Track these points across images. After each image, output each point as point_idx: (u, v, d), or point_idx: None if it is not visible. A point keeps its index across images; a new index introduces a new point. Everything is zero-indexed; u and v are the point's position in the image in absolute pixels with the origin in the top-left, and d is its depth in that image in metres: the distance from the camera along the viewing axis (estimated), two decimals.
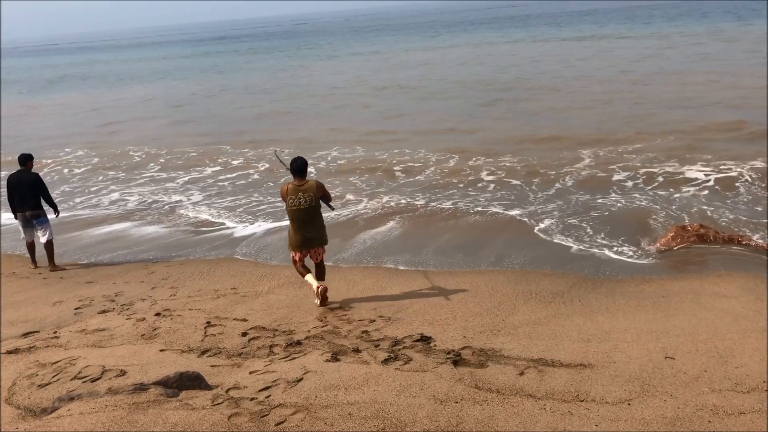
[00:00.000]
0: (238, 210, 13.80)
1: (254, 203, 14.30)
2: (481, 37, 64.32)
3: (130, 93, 40.72)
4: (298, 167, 7.88)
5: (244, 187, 15.91)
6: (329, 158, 18.19)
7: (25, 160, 10.79)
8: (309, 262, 8.27)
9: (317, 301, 8.08)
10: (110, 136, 25.53)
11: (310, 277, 8.10)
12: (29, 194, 10.60)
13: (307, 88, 35.81)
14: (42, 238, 10.76)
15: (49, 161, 20.89)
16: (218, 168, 18.22)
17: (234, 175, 17.27)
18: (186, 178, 17.35)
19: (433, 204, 13.08)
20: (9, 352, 6.65)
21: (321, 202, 8.00)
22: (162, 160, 19.94)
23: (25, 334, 7.46)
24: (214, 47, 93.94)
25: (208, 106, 31.84)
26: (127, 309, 8.28)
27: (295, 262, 8.24)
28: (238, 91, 36.90)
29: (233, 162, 18.74)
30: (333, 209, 8.35)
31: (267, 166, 17.71)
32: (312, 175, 15.22)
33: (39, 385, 5.65)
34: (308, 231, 7.97)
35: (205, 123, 26.84)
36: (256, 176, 16.96)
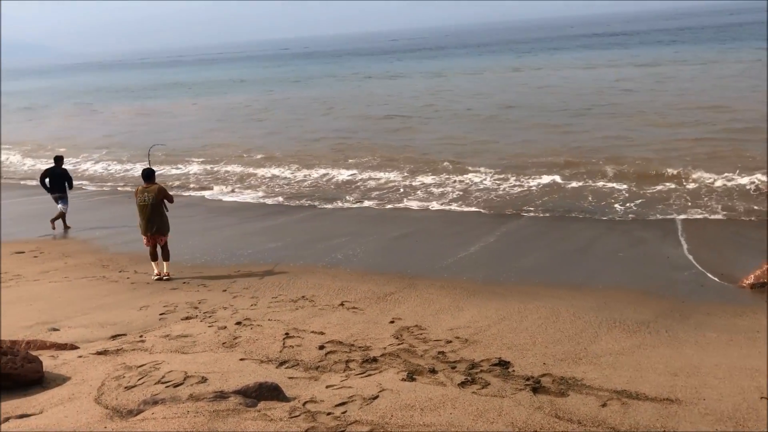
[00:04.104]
0: None
1: None
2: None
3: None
4: (145, 174, 10.99)
5: None
6: None
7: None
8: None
9: (154, 277, 10.92)
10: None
11: (155, 265, 11.00)
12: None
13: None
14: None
15: None
16: None
17: None
18: None
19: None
20: (98, 353, 6.94)
21: (164, 201, 10.91)
22: None
23: (114, 336, 7.78)
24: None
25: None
26: (210, 317, 8.50)
27: (146, 244, 11.09)
28: None
29: None
30: (167, 210, 11.06)
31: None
32: None
33: (126, 387, 5.84)
34: (152, 222, 10.86)
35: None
36: None
